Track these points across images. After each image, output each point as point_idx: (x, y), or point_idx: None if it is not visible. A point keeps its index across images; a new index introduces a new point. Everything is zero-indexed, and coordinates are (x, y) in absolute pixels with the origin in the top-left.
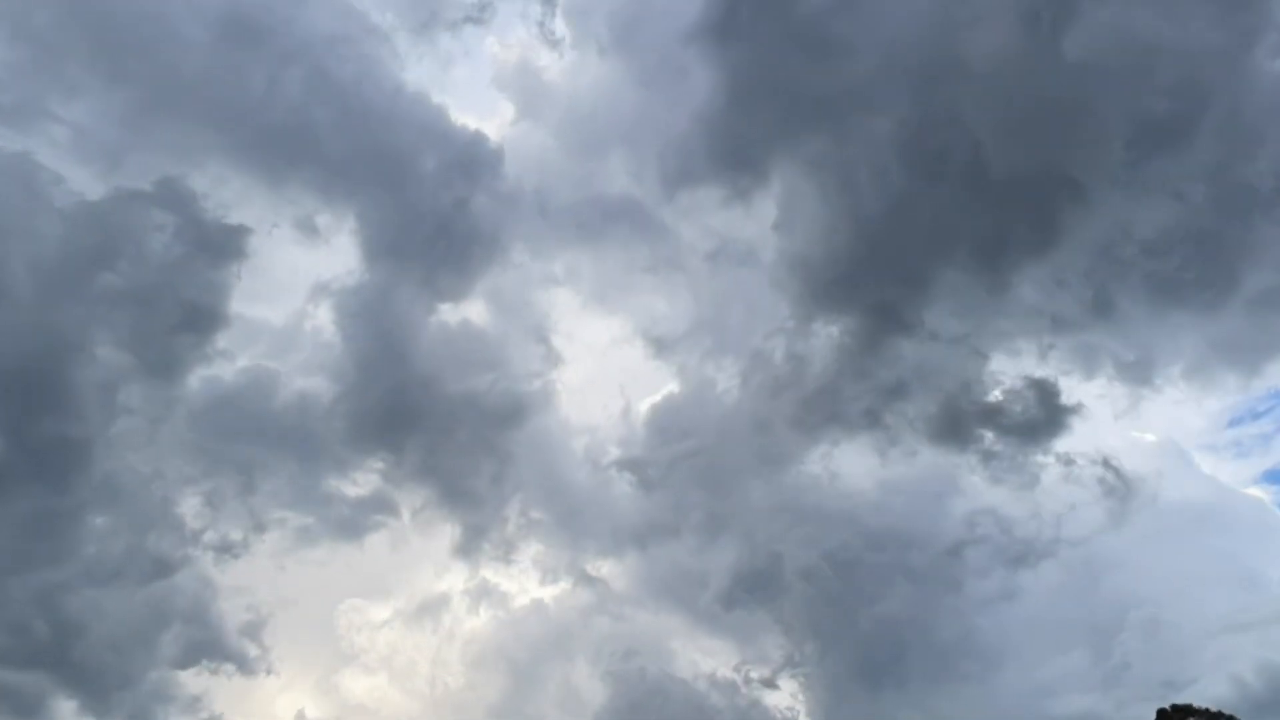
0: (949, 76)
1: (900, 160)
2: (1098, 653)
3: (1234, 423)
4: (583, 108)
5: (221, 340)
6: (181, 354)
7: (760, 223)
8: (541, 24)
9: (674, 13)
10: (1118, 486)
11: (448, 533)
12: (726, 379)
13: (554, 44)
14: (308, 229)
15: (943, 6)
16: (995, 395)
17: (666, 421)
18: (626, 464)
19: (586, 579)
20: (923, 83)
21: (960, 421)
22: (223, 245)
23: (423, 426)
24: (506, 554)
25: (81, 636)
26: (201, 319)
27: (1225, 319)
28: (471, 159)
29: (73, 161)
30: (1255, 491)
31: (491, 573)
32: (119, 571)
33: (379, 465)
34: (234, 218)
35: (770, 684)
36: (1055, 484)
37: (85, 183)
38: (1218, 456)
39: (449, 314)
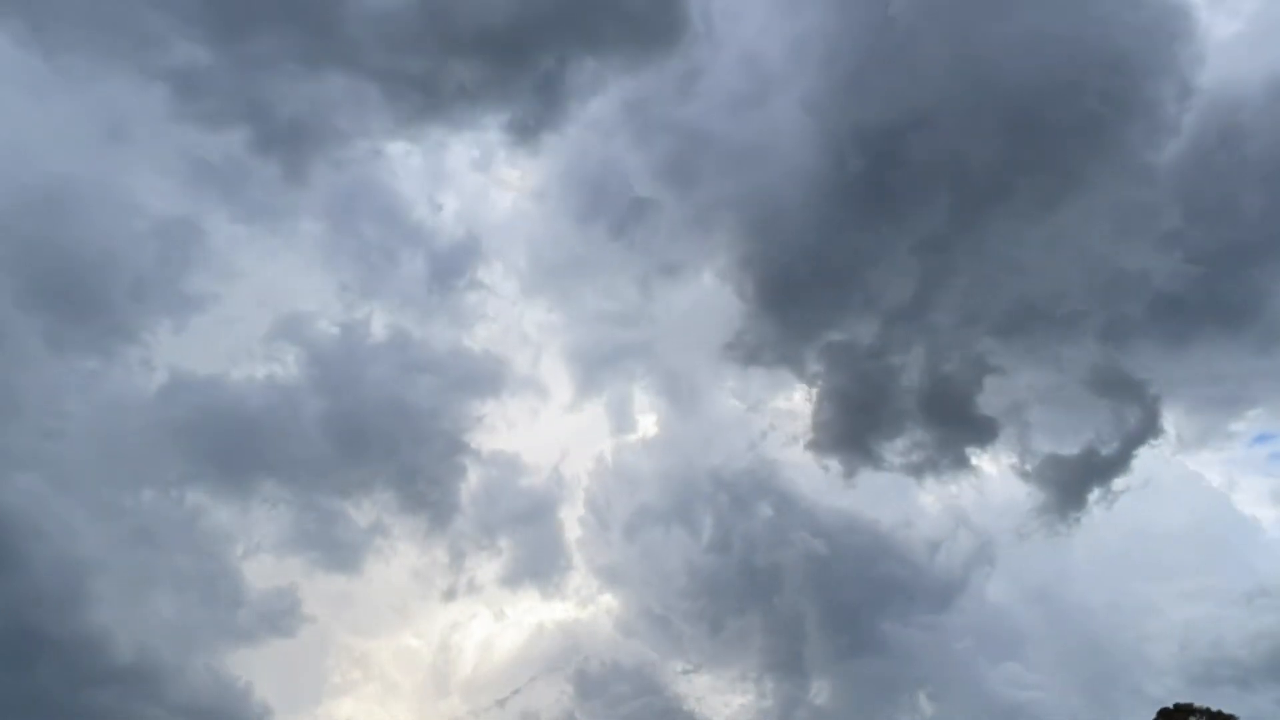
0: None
1: (848, 197)
2: (1091, 659)
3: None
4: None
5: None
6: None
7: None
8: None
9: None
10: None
11: (436, 563)
12: (702, 429)
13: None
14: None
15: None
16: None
17: (643, 466)
18: (611, 503)
19: (582, 608)
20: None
21: (939, 433)
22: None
23: (409, 456)
24: (496, 585)
25: None
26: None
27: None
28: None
29: None
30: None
31: (482, 602)
32: None
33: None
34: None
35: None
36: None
37: None
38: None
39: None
